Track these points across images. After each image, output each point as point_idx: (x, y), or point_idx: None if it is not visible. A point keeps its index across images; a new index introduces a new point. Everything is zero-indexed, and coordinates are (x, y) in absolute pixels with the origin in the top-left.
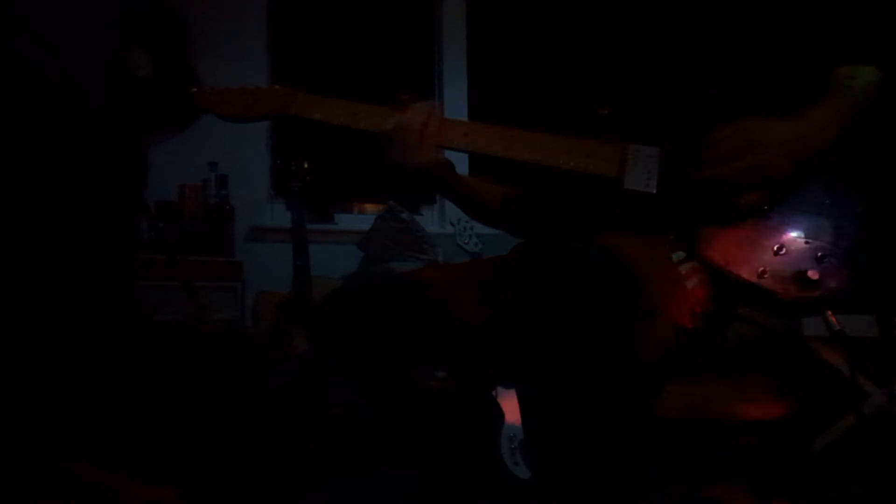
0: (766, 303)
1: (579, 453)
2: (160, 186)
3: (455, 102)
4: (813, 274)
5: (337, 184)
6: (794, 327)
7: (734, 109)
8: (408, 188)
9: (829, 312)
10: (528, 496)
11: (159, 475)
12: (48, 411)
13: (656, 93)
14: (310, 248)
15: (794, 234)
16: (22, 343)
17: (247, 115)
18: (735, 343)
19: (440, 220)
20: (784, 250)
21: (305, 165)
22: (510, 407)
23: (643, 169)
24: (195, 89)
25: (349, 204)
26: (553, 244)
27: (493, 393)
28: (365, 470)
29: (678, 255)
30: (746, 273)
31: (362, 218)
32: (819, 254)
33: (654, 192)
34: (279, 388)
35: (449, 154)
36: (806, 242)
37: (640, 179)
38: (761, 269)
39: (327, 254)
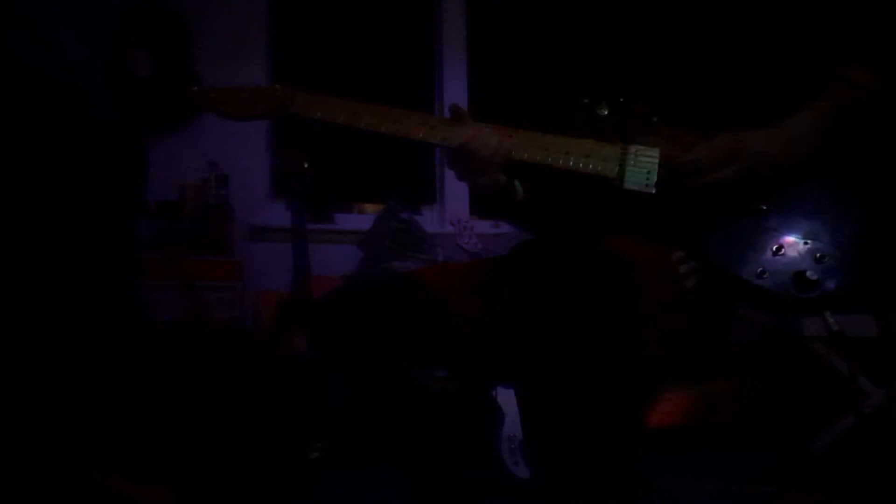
0: (765, 303)
1: (579, 453)
2: (160, 186)
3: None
4: (811, 274)
5: (337, 184)
6: (794, 327)
7: (734, 109)
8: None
9: (829, 312)
10: (528, 496)
11: (158, 475)
12: (48, 411)
13: (656, 93)
14: (310, 248)
15: (792, 234)
16: (22, 343)
17: (247, 114)
18: (735, 343)
19: (440, 220)
20: (783, 251)
21: (305, 165)
22: (510, 407)
23: (643, 169)
24: (196, 88)
25: (349, 204)
26: (553, 244)
27: (493, 393)
28: (364, 470)
29: (678, 255)
30: (745, 273)
31: (362, 218)
32: (818, 254)
33: (654, 192)
34: (279, 388)
35: None
36: (805, 243)
37: (639, 180)
38: (760, 269)
39: (327, 254)
